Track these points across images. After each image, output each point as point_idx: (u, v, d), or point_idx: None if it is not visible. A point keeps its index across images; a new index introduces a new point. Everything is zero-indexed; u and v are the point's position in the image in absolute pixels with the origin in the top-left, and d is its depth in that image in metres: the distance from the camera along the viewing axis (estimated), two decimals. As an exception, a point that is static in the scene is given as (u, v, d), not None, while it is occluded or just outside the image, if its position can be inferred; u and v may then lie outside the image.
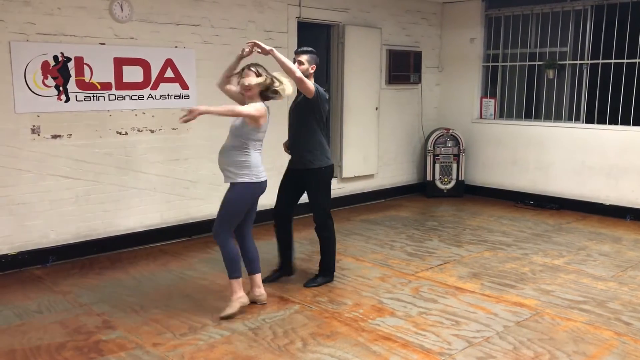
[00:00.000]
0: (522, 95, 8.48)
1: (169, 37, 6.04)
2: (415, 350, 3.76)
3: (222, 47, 6.45)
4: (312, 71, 4.66)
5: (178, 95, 6.09)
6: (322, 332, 4.04)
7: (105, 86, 5.66)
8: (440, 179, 8.67)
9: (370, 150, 8.17)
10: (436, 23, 8.93)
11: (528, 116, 8.43)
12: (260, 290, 4.51)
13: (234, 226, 4.30)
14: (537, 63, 8.14)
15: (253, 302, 4.47)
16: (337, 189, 7.94)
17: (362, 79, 7.88)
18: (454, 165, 8.65)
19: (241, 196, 4.22)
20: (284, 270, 5.09)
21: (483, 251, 5.99)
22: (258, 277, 4.51)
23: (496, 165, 8.59)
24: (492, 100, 8.65)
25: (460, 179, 8.69)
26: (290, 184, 4.96)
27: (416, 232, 6.76)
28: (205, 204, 6.42)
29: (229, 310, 4.24)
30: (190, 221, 6.37)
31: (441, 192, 8.68)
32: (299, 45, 7.19)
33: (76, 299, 4.63)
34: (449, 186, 8.69)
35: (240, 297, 4.31)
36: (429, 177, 8.68)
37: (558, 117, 8.02)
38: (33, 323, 4.17)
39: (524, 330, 4.07)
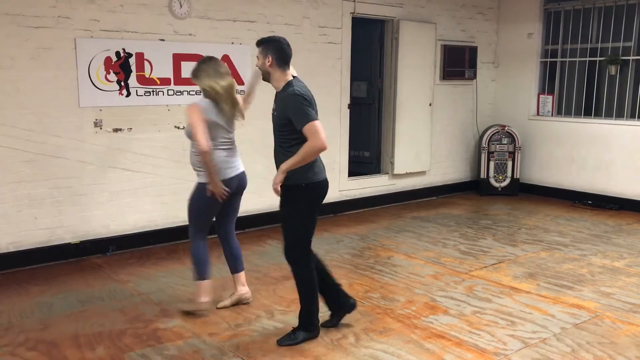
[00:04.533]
0: (582, 92, 8.21)
1: (226, 34, 6.14)
2: (470, 350, 3.72)
3: (277, 43, 6.50)
4: (269, 63, 3.69)
5: (234, 91, 6.17)
6: (375, 327, 4.04)
7: (164, 81, 5.80)
8: (494, 176, 8.51)
9: (423, 147, 8.10)
10: (493, 18, 8.75)
11: (588, 113, 8.16)
12: (245, 288, 4.41)
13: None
14: (598, 59, 7.89)
15: (238, 302, 4.38)
16: (388, 185, 7.91)
17: (416, 74, 7.81)
18: (509, 163, 8.47)
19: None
20: (338, 309, 4.06)
21: (539, 251, 5.85)
22: (242, 275, 4.40)
23: (553, 164, 8.36)
24: (550, 97, 8.42)
25: (515, 177, 8.50)
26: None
27: (469, 230, 6.66)
28: (259, 197, 6.49)
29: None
30: (244, 214, 6.42)
31: (495, 190, 8.52)
32: (353, 41, 7.21)
33: (135, 287, 4.78)
34: (503, 184, 8.52)
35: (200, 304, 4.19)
36: (483, 175, 8.53)
37: (620, 115, 7.75)
38: (95, 309, 4.33)
39: (583, 333, 3.96)
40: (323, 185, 3.82)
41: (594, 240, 6.26)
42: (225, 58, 6.12)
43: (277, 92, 3.78)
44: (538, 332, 3.98)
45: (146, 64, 5.66)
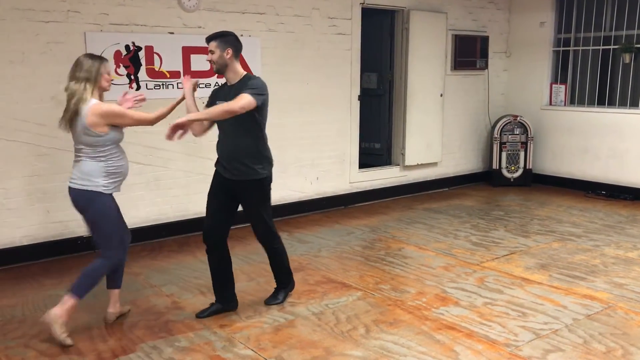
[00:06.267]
0: (595, 81, 8.12)
1: (235, 26, 6.10)
2: (480, 341, 3.71)
3: (287, 35, 6.50)
4: (228, 56, 3.87)
5: (243, 83, 6.17)
6: (385, 319, 4.04)
7: (174, 74, 5.81)
8: (506, 167, 8.45)
9: (434, 138, 8.05)
10: (504, 7, 8.66)
11: (601, 103, 8.07)
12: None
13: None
14: (612, 47, 7.79)
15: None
16: (399, 176, 7.89)
17: (426, 65, 7.76)
18: (522, 154, 8.41)
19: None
20: (224, 305, 4.18)
21: (551, 242, 5.81)
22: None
23: (566, 154, 8.29)
24: (563, 86, 8.34)
25: (527, 167, 8.44)
26: (225, 197, 4.09)
27: (481, 221, 6.62)
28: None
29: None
30: (255, 207, 6.47)
31: (507, 181, 8.46)
32: (363, 31, 7.18)
33: (146, 280, 4.81)
34: (515, 175, 8.46)
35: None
36: (495, 166, 8.48)
37: (634, 104, 7.65)
38: (107, 302, 4.32)
39: (595, 324, 3.93)
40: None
41: (607, 230, 6.20)
42: (235, 50, 6.13)
43: (227, 85, 3.99)
44: (550, 323, 3.96)
45: (156, 57, 5.67)
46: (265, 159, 4.07)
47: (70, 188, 3.77)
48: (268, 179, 4.10)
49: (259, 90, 3.83)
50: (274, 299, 4.33)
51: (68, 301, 3.70)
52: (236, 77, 3.94)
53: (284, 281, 4.40)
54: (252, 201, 4.09)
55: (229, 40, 3.91)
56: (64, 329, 3.68)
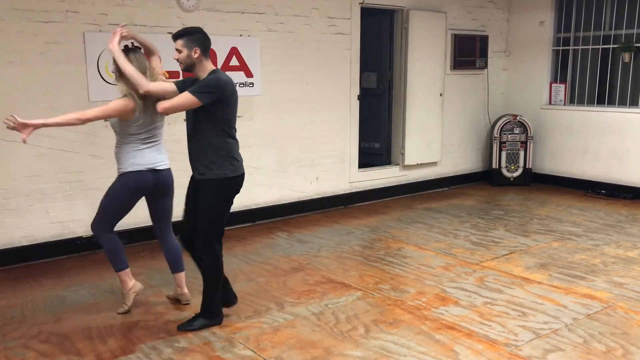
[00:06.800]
0: (595, 80, 8.12)
1: (234, 26, 6.13)
2: (480, 340, 3.70)
3: (286, 35, 6.50)
4: (196, 55, 3.67)
5: (243, 83, 6.17)
6: (385, 319, 4.03)
7: (173, 75, 5.78)
8: (506, 167, 8.45)
9: (433, 137, 8.05)
10: (504, 6, 8.66)
11: (601, 102, 8.07)
12: (183, 290, 4.32)
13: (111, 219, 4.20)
14: (611, 46, 7.78)
15: (177, 299, 4.35)
16: (399, 176, 7.88)
17: (426, 64, 7.75)
18: (521, 153, 8.41)
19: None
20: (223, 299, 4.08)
21: (551, 241, 5.81)
22: (181, 276, 4.32)
23: (566, 153, 8.28)
24: (562, 86, 8.33)
25: (527, 167, 8.44)
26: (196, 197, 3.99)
27: (481, 221, 6.62)
28: (269, 190, 6.51)
29: (125, 306, 4.17)
30: (254, 207, 6.47)
31: (507, 181, 8.46)
32: (362, 31, 7.17)
33: (146, 280, 4.80)
34: (515, 174, 8.46)
35: (131, 288, 4.19)
36: (494, 165, 8.47)
37: (634, 103, 7.65)
38: (106, 302, 4.37)
39: (595, 324, 3.93)
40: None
41: (607, 230, 6.20)
42: (234, 50, 6.12)
43: (195, 81, 3.80)
44: (549, 322, 3.96)
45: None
46: (225, 159, 3.80)
47: (165, 170, 4.24)
48: (225, 182, 3.83)
49: (205, 88, 3.63)
50: (187, 324, 3.90)
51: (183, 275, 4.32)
52: (204, 75, 3.74)
53: (204, 309, 3.93)
54: (202, 202, 3.87)
55: (196, 38, 3.69)
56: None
